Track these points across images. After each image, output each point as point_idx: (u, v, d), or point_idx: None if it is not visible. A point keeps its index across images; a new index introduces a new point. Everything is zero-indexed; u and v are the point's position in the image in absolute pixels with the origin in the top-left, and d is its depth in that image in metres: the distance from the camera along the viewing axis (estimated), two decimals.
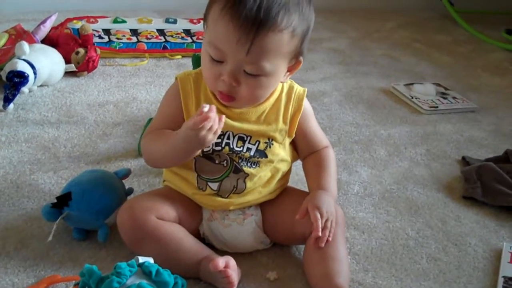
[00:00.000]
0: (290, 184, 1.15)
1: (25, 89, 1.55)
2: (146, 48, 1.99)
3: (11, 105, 1.53)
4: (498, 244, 1.20)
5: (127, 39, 2.03)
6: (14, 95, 1.53)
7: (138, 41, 2.03)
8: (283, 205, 1.09)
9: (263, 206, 1.09)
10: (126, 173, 1.18)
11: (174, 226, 1.02)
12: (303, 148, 1.12)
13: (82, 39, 1.79)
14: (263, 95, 1.02)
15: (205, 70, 1.00)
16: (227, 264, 0.97)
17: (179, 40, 2.08)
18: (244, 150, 1.04)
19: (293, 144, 1.11)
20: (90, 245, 1.07)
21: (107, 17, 2.17)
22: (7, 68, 1.55)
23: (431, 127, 1.70)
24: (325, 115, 1.70)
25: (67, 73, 1.75)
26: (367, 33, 2.53)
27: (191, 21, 2.23)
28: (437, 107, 1.81)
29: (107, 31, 2.06)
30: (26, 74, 1.54)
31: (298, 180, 1.23)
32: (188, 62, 1.84)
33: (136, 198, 1.08)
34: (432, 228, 1.23)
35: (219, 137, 0.99)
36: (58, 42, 1.80)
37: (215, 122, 0.91)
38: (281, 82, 1.05)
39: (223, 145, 1.03)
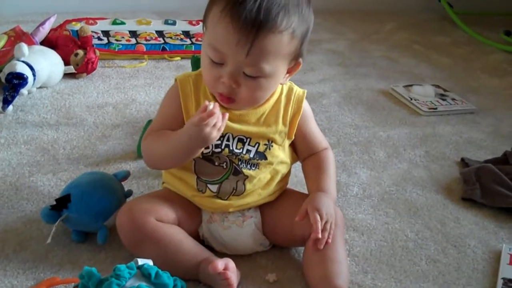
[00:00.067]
0: (289, 186, 1.15)
1: (24, 90, 1.55)
2: (145, 49, 1.99)
3: (10, 107, 1.53)
4: (497, 246, 1.20)
5: (126, 40, 2.03)
6: (13, 97, 1.52)
7: (137, 42, 2.02)
8: (283, 207, 1.09)
9: (263, 208, 1.09)
10: (125, 175, 1.18)
11: (173, 228, 1.02)
12: (303, 150, 1.12)
13: (81, 41, 1.79)
14: (262, 97, 1.01)
15: (205, 72, 1.00)
16: (227, 266, 0.97)
17: (178, 42, 2.07)
18: (244, 152, 1.04)
19: (293, 146, 1.11)
20: (89, 247, 1.07)
21: (106, 18, 2.16)
22: (6, 69, 1.55)
23: (430, 129, 1.70)
24: (324, 117, 1.70)
25: (66, 75, 1.75)
26: (366, 35, 2.53)
27: (190, 22, 2.22)
28: (436, 108, 1.81)
29: (106, 33, 2.06)
30: (25, 75, 1.54)
31: (298, 182, 1.23)
32: (187, 63, 1.84)
33: (135, 200, 1.08)
34: (431, 230, 1.23)
35: (218, 139, 0.99)
36: (57, 43, 1.80)
37: (219, 119, 0.91)
38: (281, 83, 1.05)
39: (222, 147, 1.03)
